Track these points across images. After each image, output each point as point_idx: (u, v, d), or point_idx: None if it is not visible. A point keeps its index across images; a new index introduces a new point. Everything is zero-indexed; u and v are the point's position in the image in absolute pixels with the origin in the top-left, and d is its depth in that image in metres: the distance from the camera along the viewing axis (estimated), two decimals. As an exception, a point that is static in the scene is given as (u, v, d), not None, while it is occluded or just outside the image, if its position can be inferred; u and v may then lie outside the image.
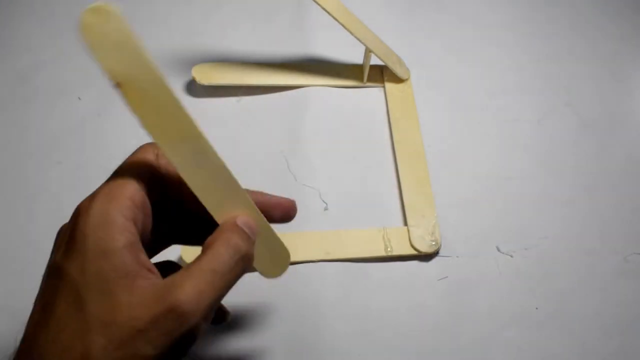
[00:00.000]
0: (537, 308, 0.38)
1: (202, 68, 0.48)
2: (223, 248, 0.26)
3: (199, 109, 0.47)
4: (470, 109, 0.48)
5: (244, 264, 0.27)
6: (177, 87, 0.48)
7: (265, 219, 0.29)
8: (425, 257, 0.40)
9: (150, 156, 0.27)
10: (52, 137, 0.46)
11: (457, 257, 0.40)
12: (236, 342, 0.37)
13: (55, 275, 0.25)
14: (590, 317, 0.38)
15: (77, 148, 0.45)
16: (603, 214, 0.42)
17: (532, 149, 0.45)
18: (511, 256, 0.40)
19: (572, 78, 0.50)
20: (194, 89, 0.48)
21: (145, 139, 0.44)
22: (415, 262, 0.40)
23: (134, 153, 0.27)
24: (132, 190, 0.25)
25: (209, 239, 0.26)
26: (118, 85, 0.23)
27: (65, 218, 0.41)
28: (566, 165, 0.45)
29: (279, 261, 0.30)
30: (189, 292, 0.24)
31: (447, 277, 0.39)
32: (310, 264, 0.39)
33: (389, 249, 0.40)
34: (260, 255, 0.29)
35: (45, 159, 0.45)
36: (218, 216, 0.27)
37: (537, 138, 0.46)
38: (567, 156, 0.45)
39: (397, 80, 0.48)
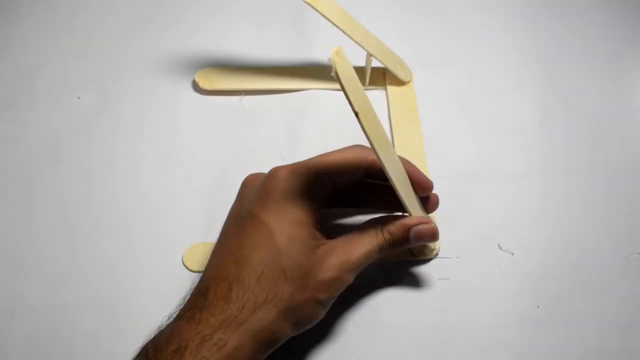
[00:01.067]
0: (538, 306, 0.38)
1: (204, 73, 0.49)
2: (401, 234, 0.34)
3: (202, 106, 0.48)
4: (472, 110, 0.48)
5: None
6: (185, 84, 0.49)
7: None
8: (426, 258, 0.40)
9: (363, 154, 0.35)
10: (52, 137, 0.46)
11: (457, 257, 0.40)
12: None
13: (253, 221, 0.32)
14: (592, 316, 0.38)
15: (77, 148, 0.45)
16: (604, 213, 0.42)
17: (533, 149, 0.45)
18: (512, 254, 0.40)
19: (572, 78, 0.50)
20: (198, 86, 0.48)
21: (142, 141, 0.43)
22: (415, 263, 0.40)
23: (343, 149, 0.35)
24: (321, 168, 0.34)
25: (391, 224, 0.34)
26: (356, 114, 0.28)
27: (65, 218, 0.42)
28: (567, 164, 0.45)
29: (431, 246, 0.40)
30: (360, 260, 0.33)
31: (447, 277, 0.39)
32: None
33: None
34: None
35: (45, 159, 0.45)
36: (407, 206, 0.35)
37: (538, 138, 0.46)
38: (568, 156, 0.45)
39: (399, 82, 0.48)
